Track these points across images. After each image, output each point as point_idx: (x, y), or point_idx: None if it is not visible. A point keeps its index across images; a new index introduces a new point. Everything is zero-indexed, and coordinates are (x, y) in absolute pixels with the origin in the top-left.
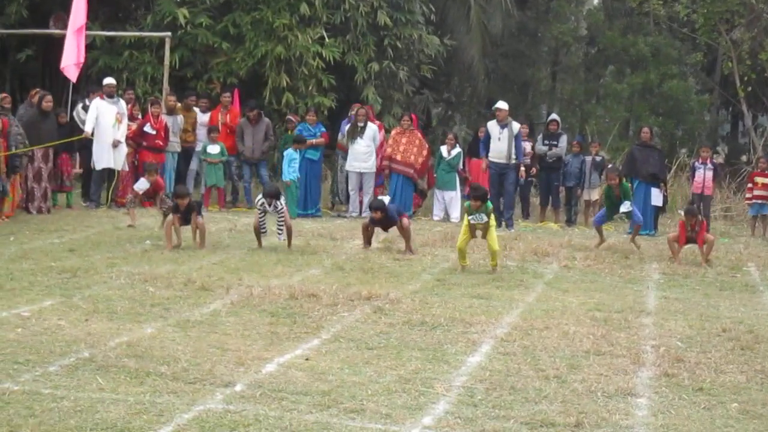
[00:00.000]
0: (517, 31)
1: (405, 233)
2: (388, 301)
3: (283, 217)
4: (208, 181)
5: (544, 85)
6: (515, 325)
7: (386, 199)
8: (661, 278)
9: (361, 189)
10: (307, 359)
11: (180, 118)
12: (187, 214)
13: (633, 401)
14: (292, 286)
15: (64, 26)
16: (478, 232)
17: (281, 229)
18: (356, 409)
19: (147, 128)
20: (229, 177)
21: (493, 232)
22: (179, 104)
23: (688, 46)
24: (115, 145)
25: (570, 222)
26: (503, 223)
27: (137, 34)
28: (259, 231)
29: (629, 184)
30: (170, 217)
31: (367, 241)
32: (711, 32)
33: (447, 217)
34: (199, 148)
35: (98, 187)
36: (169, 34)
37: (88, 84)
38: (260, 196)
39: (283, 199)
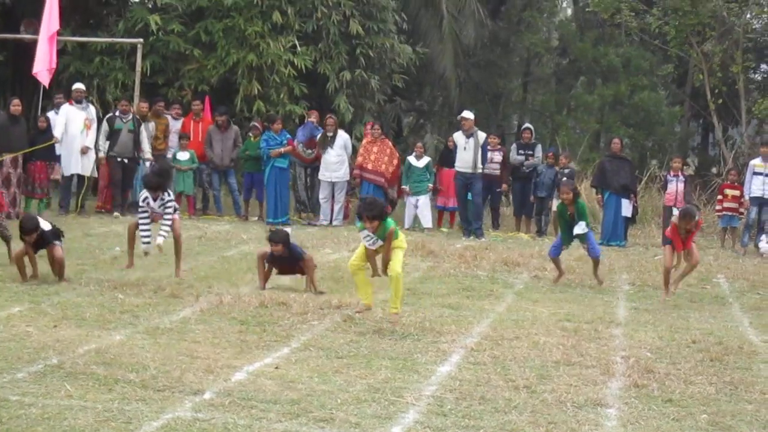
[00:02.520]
0: (489, 41)
1: (309, 270)
2: (357, 310)
3: (170, 216)
4: (177, 188)
5: (515, 96)
6: (485, 335)
7: (289, 229)
8: (630, 289)
9: (333, 197)
10: (276, 368)
11: (151, 125)
12: (39, 245)
13: (603, 412)
14: (262, 294)
15: (35, 31)
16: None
17: (165, 231)
18: (326, 418)
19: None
20: (200, 184)
21: (399, 255)
22: (149, 111)
23: (660, 58)
24: (84, 151)
25: (541, 232)
26: (471, 233)
27: (109, 40)
28: (133, 239)
29: (585, 202)
30: (21, 247)
31: (264, 280)
32: (682, 44)
33: (419, 224)
34: (169, 155)
35: (67, 193)
36: (141, 40)
37: (59, 89)
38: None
39: (172, 192)
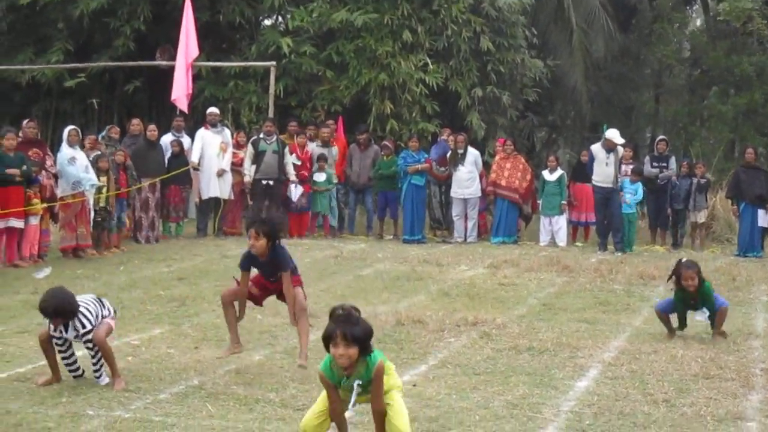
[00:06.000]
0: (619, 54)
1: (288, 294)
2: (494, 327)
3: (91, 344)
4: (314, 209)
5: (647, 108)
6: (623, 349)
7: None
8: None
9: (465, 215)
10: (414, 385)
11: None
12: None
13: (743, 425)
14: (399, 312)
15: (170, 58)
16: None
17: (97, 371)
18: None
19: (292, 159)
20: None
21: (399, 406)
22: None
23: None
24: (220, 174)
25: (676, 245)
26: (607, 247)
27: (242, 64)
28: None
29: (712, 287)
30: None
31: (233, 323)
32: None
33: (554, 242)
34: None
35: (205, 216)
36: (274, 63)
37: (195, 114)
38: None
39: (90, 314)
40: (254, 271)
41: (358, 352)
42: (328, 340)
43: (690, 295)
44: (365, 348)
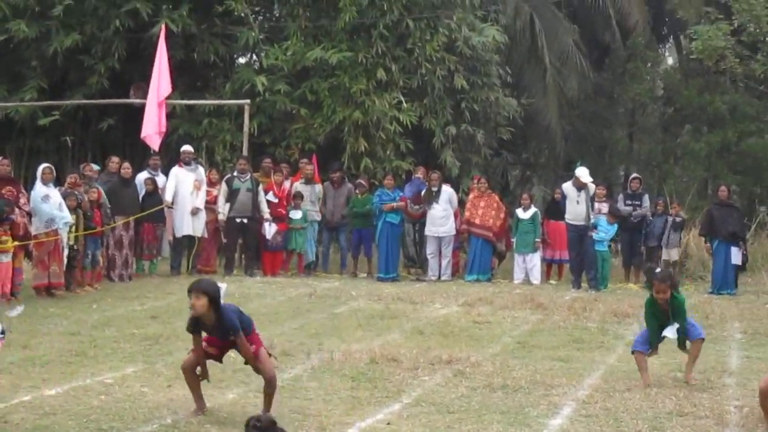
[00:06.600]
0: (593, 92)
1: (262, 368)
2: (468, 365)
3: None
4: (290, 246)
5: (621, 146)
6: (597, 387)
7: (223, 287)
8: (743, 338)
9: (440, 253)
10: (388, 423)
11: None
12: None
13: None
14: (373, 350)
15: (144, 95)
16: None
17: None
18: None
19: (269, 197)
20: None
21: None
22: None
23: (766, 103)
24: (194, 212)
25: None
26: (581, 284)
27: (216, 102)
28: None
29: (684, 297)
30: None
31: (198, 399)
32: None
33: (528, 280)
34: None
35: (178, 254)
36: (248, 101)
37: (169, 152)
38: None
39: None
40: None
41: None
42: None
43: (660, 308)
44: None
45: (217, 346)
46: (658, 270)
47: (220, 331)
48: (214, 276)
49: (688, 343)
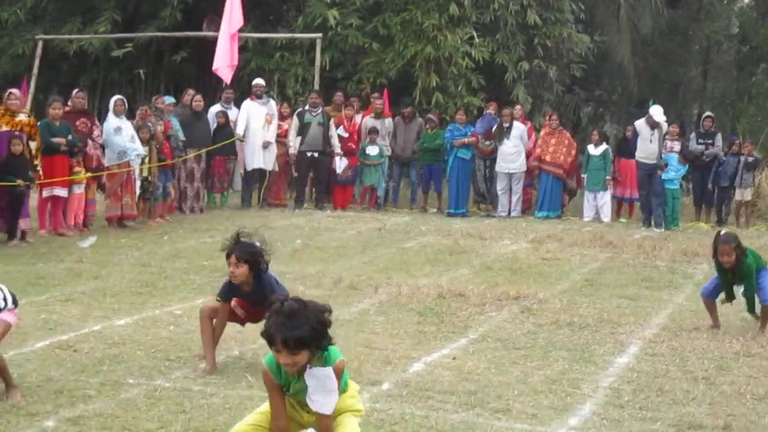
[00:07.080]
0: (667, 29)
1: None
2: (535, 301)
3: None
4: (366, 181)
5: (695, 84)
6: (664, 326)
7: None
8: None
9: (510, 189)
10: (454, 358)
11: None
12: None
13: None
14: (440, 286)
15: (217, 29)
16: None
17: None
18: (502, 409)
19: (340, 131)
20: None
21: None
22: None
23: None
24: (265, 146)
25: (721, 222)
26: (652, 222)
27: (288, 35)
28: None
29: (753, 262)
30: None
31: (211, 348)
32: None
33: (598, 217)
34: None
35: (249, 187)
36: (320, 35)
37: (240, 85)
38: None
39: None
40: None
41: (308, 355)
42: (268, 343)
43: (727, 271)
44: (317, 347)
45: (247, 310)
46: (722, 231)
47: (257, 297)
48: (284, 210)
49: (758, 306)
